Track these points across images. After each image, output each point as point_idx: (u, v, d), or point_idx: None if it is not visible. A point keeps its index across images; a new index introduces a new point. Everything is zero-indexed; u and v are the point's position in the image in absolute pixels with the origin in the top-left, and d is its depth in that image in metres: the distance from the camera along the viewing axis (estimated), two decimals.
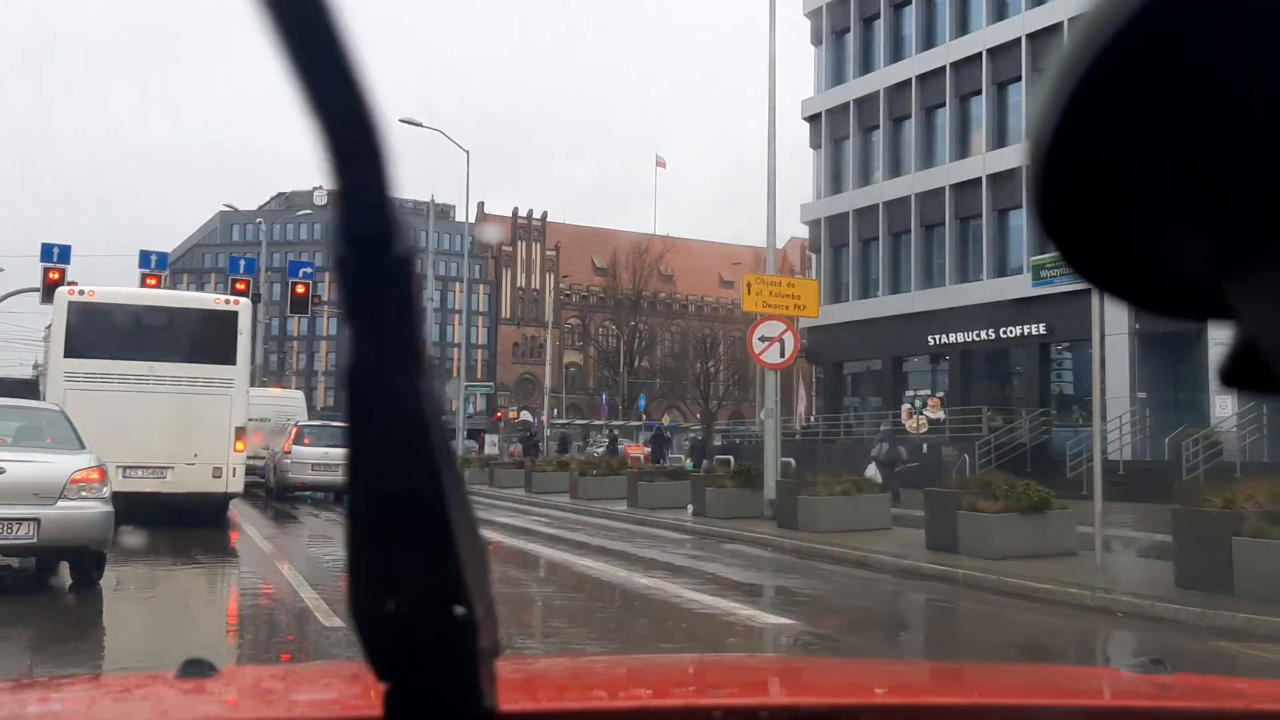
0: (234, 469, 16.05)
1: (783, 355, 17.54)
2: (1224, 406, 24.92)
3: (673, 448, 63.91)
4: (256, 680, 1.74)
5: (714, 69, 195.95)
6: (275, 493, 23.98)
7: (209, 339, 16.13)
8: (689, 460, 31.79)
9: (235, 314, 16.32)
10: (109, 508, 9.03)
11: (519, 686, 1.46)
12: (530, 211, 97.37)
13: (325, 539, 15.79)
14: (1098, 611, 9.43)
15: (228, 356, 16.08)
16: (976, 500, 12.43)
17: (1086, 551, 12.61)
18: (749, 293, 17.53)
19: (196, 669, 1.40)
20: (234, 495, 16.43)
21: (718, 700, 1.39)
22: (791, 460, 22.60)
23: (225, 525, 16.31)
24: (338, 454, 23.43)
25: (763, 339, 17.53)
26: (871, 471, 20.51)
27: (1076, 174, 0.42)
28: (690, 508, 19.13)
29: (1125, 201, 0.43)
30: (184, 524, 15.08)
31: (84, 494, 8.83)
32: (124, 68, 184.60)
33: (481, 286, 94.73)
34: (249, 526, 16.52)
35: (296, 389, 53.19)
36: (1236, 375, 0.46)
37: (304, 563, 12.02)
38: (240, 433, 16.18)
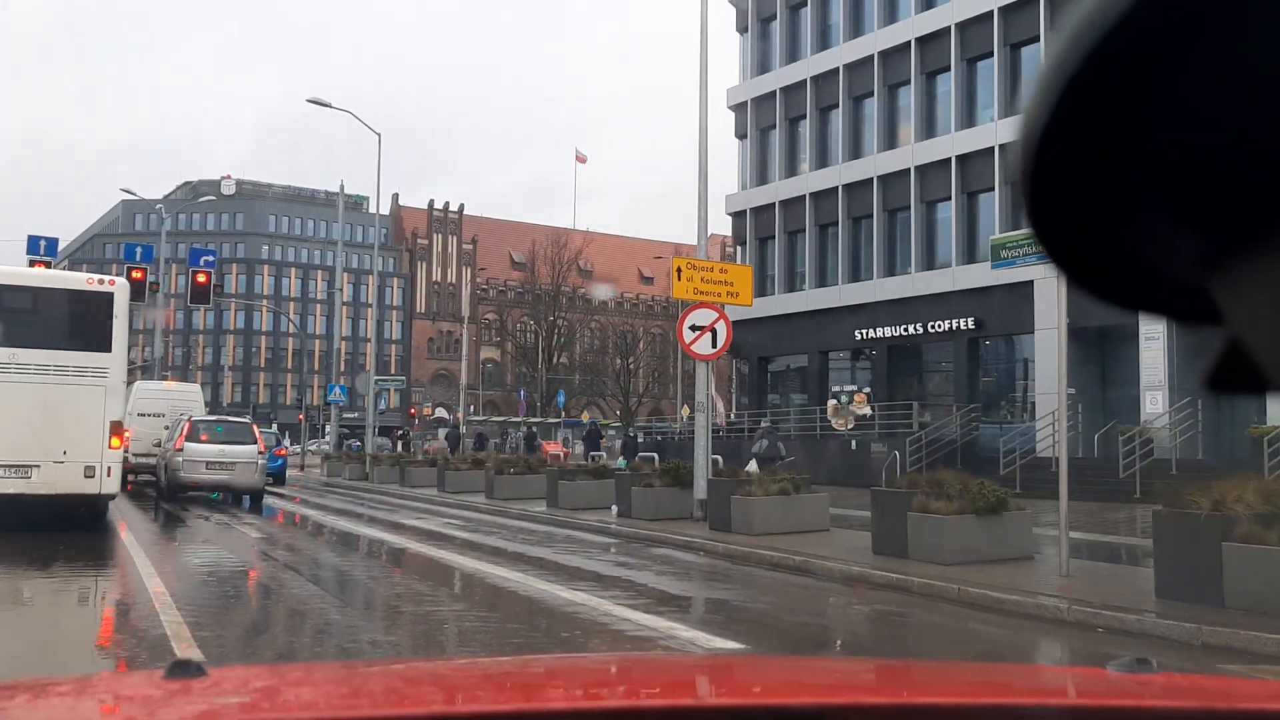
0: (109, 468, 14.45)
1: (715, 345, 16.42)
2: (1154, 403, 24.48)
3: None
4: (245, 681, 1.79)
5: (638, 66, 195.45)
6: (166, 493, 22.25)
7: (81, 323, 14.48)
8: (620, 457, 30.39)
9: (110, 295, 14.66)
10: None
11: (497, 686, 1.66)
12: (447, 204, 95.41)
13: (210, 545, 14.30)
14: (1075, 627, 8.44)
15: (102, 343, 14.45)
16: (929, 501, 11.43)
17: (1043, 555, 11.73)
18: (679, 278, 16.36)
19: (184, 670, 1.40)
20: (109, 496, 14.84)
21: (707, 701, 1.43)
22: (719, 458, 21.60)
23: (101, 530, 14.74)
24: (235, 451, 21.89)
25: (694, 328, 16.40)
26: (752, 467, 19.93)
27: (1066, 167, 0.42)
28: (615, 508, 17.95)
29: (1114, 198, 0.43)
30: (56, 529, 13.55)
31: None
32: (39, 57, 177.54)
33: (395, 280, 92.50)
34: (128, 532, 14.92)
35: (198, 383, 50.78)
36: (1222, 378, 0.46)
37: (179, 577, 10.57)
38: (116, 428, 14.58)
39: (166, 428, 24.84)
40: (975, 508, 11.22)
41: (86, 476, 14.20)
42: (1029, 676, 2.31)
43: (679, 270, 16.50)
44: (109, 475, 14.47)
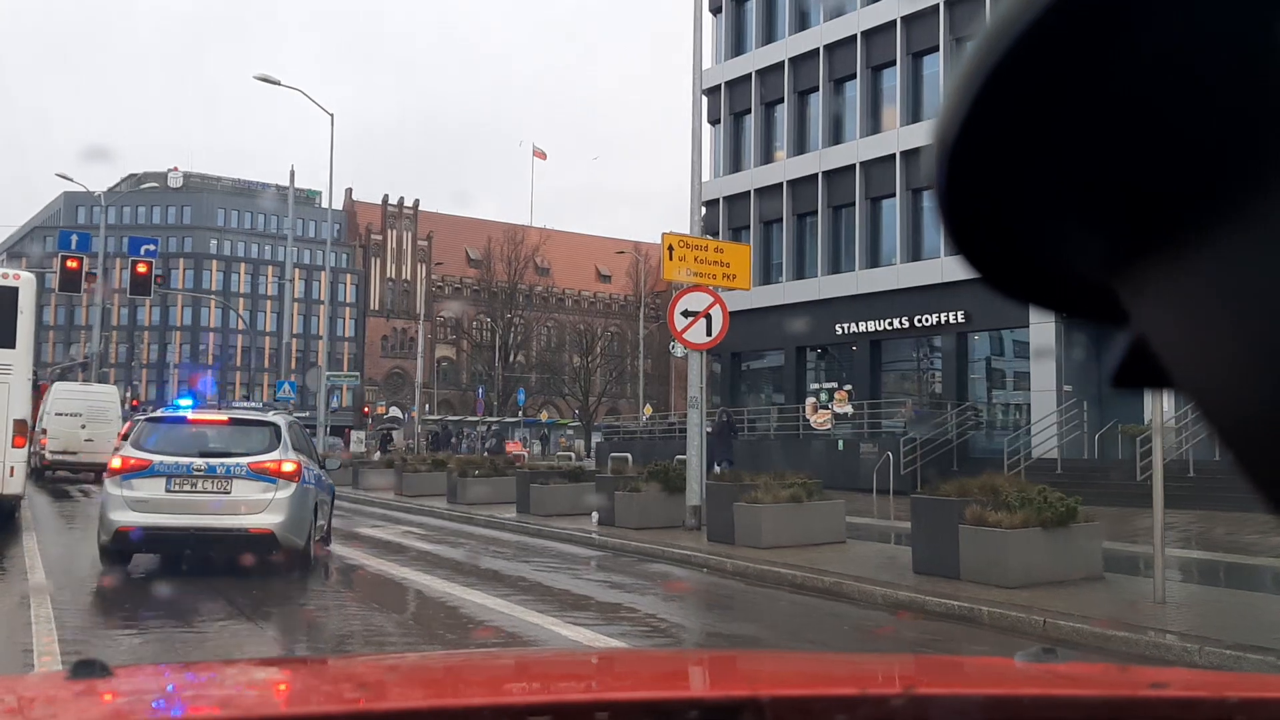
0: (11, 468, 12.95)
1: (710, 333, 14.62)
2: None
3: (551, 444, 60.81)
4: (153, 680, 1.73)
5: (596, 62, 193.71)
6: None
7: None
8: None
9: (14, 290, 13.10)
10: None
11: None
12: (401, 199, 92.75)
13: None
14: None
15: (5, 338, 12.84)
16: (984, 511, 9.69)
17: (1115, 576, 10.06)
18: (670, 257, 14.54)
19: (89, 670, 1.35)
20: (15, 497, 13.23)
21: (633, 695, 1.39)
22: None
23: (7, 532, 13.05)
24: None
25: (686, 313, 14.59)
26: None
27: (979, 174, 0.43)
28: (595, 515, 16.10)
29: (1026, 199, 0.44)
30: None
31: None
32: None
33: (349, 276, 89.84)
34: (31, 535, 13.18)
35: (142, 380, 48.33)
36: (1127, 375, 0.48)
37: (71, 590, 8.66)
38: (21, 426, 12.94)
39: (84, 426, 26.10)
40: (1041, 519, 9.50)
41: None
42: (937, 666, 2.26)
43: (670, 248, 14.67)
44: (11, 475, 13.03)
